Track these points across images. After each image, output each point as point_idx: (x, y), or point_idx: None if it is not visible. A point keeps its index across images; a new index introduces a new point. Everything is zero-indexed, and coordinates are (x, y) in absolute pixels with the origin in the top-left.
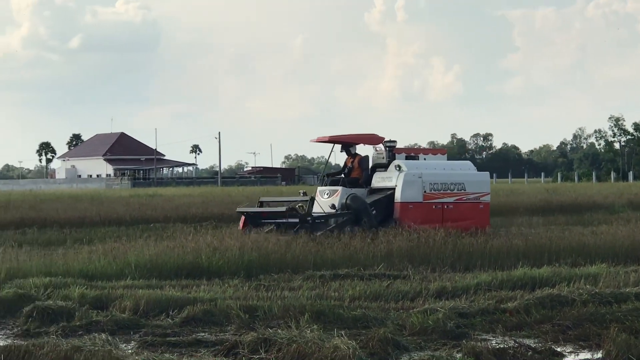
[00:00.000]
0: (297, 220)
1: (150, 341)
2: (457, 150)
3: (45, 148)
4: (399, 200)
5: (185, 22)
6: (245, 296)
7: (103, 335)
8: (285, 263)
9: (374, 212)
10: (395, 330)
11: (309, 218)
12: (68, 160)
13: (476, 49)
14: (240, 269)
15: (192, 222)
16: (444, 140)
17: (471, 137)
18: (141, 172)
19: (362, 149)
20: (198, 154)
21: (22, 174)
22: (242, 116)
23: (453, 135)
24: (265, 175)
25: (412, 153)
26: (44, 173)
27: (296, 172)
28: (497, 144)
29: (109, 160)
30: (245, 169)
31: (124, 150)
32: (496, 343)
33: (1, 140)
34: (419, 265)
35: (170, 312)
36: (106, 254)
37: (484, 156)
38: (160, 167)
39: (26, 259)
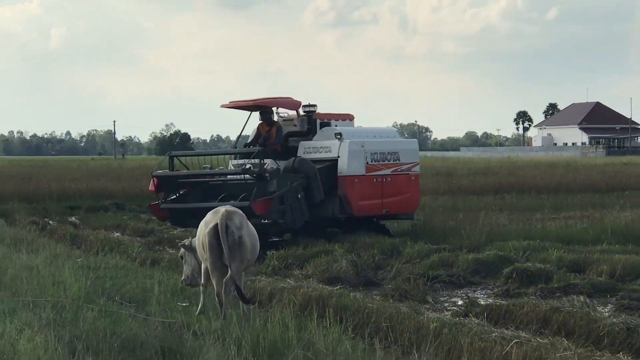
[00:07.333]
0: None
1: (627, 304)
2: None
3: (523, 117)
4: (345, 174)
5: None
6: None
7: (581, 298)
8: None
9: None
10: None
11: (267, 174)
12: (544, 128)
13: None
14: None
15: None
16: None
17: None
18: (615, 140)
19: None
20: None
21: (500, 142)
22: None
23: None
24: None
25: (325, 119)
26: (521, 141)
27: None
28: None
29: (584, 129)
30: None
31: (599, 119)
32: None
33: (480, 109)
34: None
35: None
36: (582, 220)
37: None
38: (635, 136)
39: (505, 222)
